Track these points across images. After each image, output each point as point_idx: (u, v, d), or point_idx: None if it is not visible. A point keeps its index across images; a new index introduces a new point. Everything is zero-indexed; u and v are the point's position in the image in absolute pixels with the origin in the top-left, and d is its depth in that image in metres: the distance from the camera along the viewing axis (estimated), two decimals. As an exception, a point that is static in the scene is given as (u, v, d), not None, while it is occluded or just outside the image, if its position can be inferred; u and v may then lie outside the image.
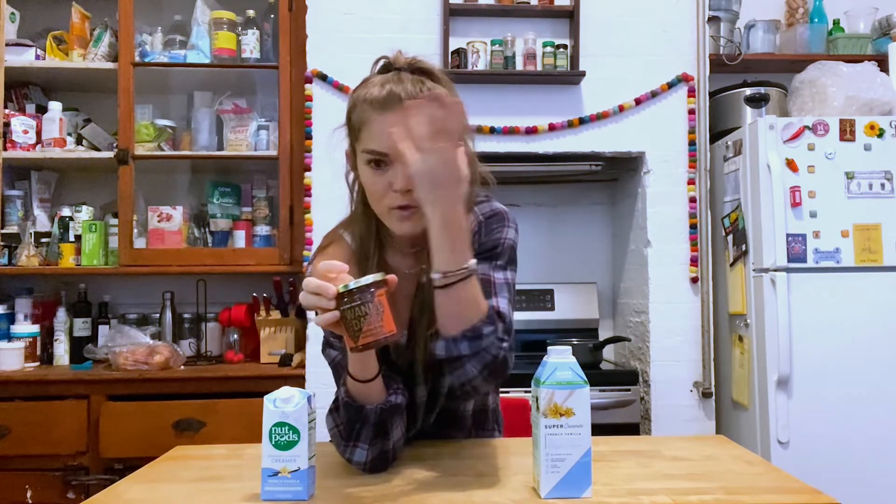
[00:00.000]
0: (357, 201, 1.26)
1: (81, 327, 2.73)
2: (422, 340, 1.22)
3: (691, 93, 2.71)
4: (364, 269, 1.22)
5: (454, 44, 2.66)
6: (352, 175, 1.25)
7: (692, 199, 2.70)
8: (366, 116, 1.13)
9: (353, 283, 0.98)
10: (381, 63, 1.21)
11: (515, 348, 1.18)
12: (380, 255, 1.25)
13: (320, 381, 2.33)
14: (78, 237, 2.71)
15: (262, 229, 2.79)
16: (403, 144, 1.05)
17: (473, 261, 1.09)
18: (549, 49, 2.67)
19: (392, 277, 1.03)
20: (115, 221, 2.68)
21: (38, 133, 2.72)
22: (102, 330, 2.73)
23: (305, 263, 2.52)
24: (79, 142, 2.78)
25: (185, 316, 2.83)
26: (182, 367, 2.55)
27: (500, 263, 1.22)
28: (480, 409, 1.39)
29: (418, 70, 1.18)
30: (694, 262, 2.69)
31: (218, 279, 2.83)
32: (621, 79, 2.70)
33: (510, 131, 2.66)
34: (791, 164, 2.44)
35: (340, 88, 2.60)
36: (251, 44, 2.73)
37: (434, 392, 1.29)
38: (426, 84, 1.15)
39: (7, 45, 2.68)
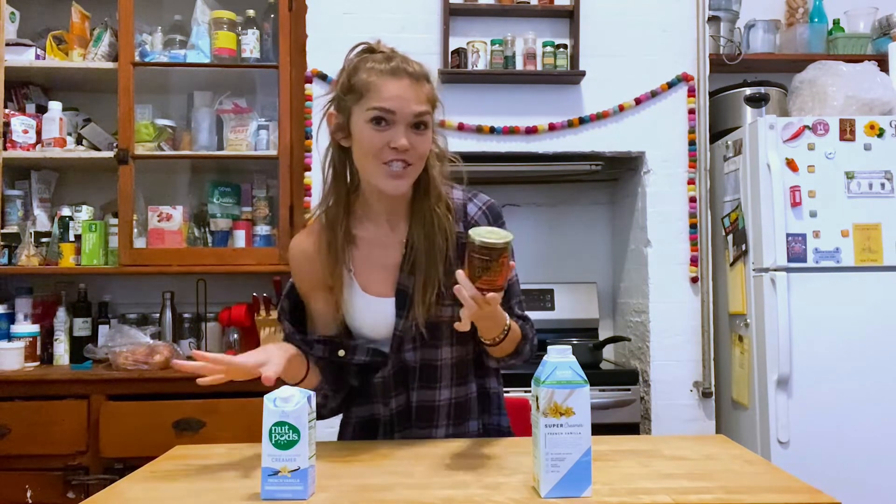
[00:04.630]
0: (328, 177, 1.35)
1: (81, 327, 2.73)
2: (419, 306, 1.30)
3: (691, 93, 2.71)
4: (332, 240, 1.33)
5: (454, 44, 2.66)
6: (329, 153, 1.34)
7: (692, 199, 2.70)
8: (373, 79, 1.25)
9: (490, 241, 1.11)
10: (360, 48, 1.31)
11: None
12: (348, 227, 1.35)
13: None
14: (78, 237, 2.70)
15: (262, 229, 2.79)
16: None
17: (508, 321, 1.28)
18: (549, 49, 2.67)
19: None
20: (115, 221, 2.67)
21: (38, 133, 2.71)
22: (102, 330, 2.72)
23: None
24: (79, 141, 2.77)
25: (185, 316, 2.82)
26: (182, 366, 2.54)
27: None
28: (481, 392, 1.44)
29: None
30: (694, 261, 2.69)
31: (218, 279, 2.83)
32: (621, 79, 2.70)
33: (510, 131, 2.66)
34: (791, 164, 2.44)
35: (340, 88, 2.61)
36: (251, 44, 2.73)
37: (425, 359, 1.37)
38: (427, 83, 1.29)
39: (7, 44, 2.67)
